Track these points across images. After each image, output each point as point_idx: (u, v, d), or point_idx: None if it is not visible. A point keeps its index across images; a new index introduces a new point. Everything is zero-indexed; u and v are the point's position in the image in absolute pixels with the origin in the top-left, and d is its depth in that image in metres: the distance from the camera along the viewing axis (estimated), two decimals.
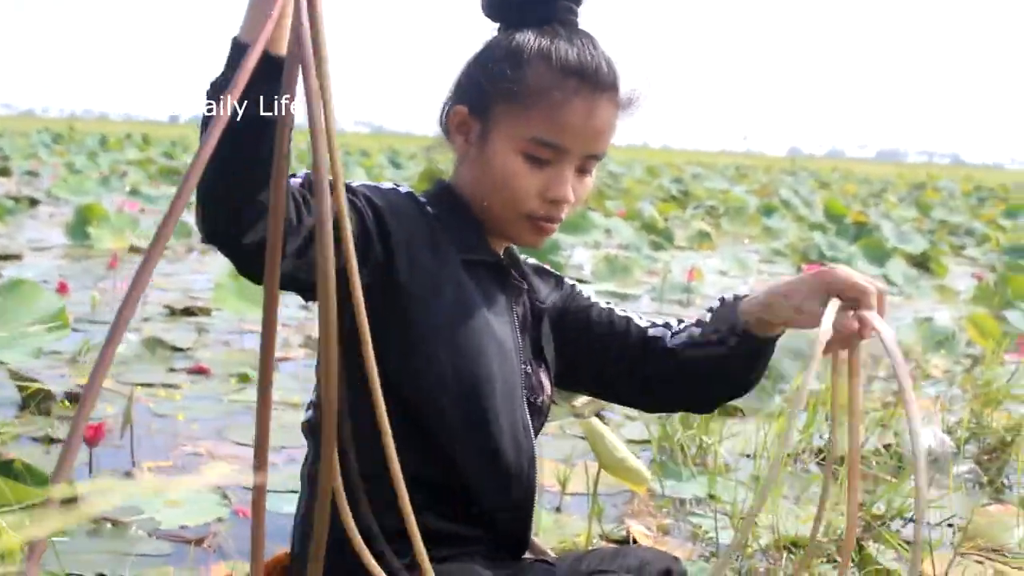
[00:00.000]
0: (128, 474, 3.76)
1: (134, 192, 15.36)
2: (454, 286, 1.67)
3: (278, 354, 5.79)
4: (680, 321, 1.92)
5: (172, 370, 5.33)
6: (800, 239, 13.60)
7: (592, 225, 12.19)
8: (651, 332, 1.90)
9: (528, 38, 1.69)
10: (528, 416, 1.77)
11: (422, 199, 1.74)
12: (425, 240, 1.66)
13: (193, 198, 1.20)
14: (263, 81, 1.17)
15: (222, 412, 4.64)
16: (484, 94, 1.70)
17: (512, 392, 1.72)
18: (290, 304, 7.37)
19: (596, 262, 9.87)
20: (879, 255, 10.67)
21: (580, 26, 1.74)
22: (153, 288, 7.77)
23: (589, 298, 1.97)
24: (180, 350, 5.70)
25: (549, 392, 1.86)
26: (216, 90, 1.31)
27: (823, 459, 4.29)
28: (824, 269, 1.64)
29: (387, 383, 1.35)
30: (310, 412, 1.77)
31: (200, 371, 5.28)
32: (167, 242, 0.88)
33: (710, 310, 1.87)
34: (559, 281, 1.97)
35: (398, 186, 1.73)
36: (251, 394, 4.93)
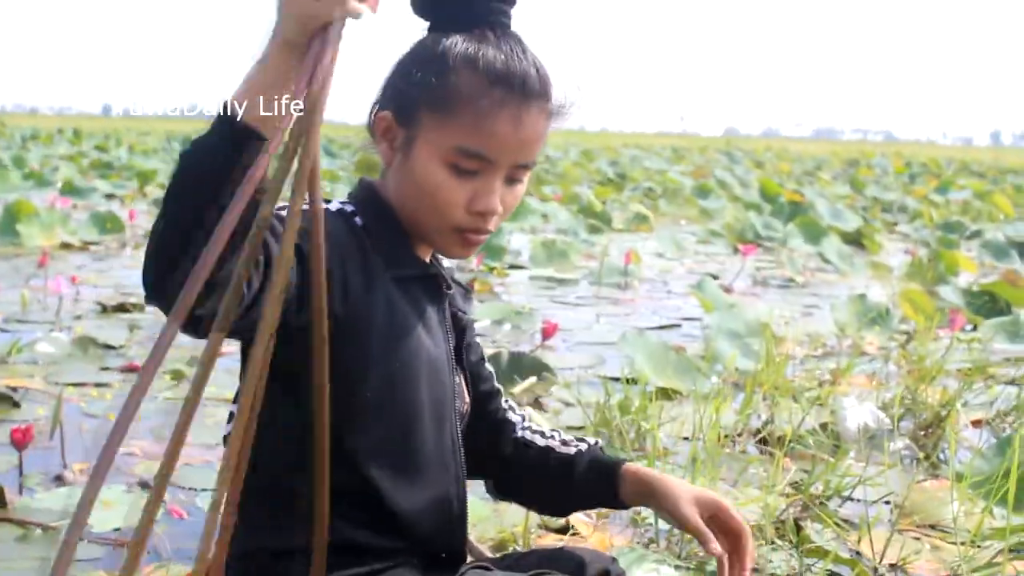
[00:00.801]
0: (59, 477, 3.69)
1: (66, 187, 15.12)
2: (385, 309, 1.63)
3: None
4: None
5: (104, 368, 5.25)
6: (736, 219, 13.66)
7: (529, 210, 12.19)
8: (508, 414, 2.01)
9: (455, 42, 1.63)
10: (458, 432, 1.79)
11: (350, 208, 1.69)
12: (356, 264, 1.61)
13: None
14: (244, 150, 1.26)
15: (155, 411, 4.57)
16: (409, 100, 1.66)
17: (442, 414, 1.72)
18: None
19: (534, 247, 9.86)
20: (814, 233, 10.74)
21: (512, 27, 1.69)
22: (85, 285, 7.66)
23: (480, 345, 2.00)
24: (112, 348, 5.62)
25: (467, 400, 1.87)
26: (203, 156, 1.32)
27: (761, 440, 4.31)
28: (721, 504, 1.82)
29: (311, 414, 1.36)
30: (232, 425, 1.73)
31: (133, 369, 5.21)
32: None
33: (582, 454, 1.96)
34: (469, 302, 1.95)
35: (328, 202, 1.67)
36: (184, 391, 4.86)
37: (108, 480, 3.66)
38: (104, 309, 6.73)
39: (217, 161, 1.29)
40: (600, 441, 2.01)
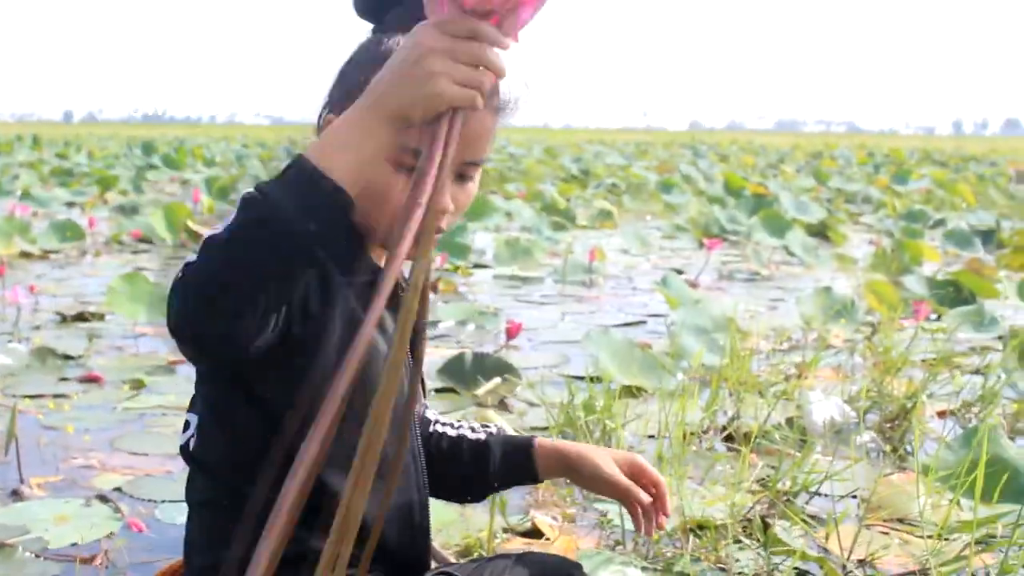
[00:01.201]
0: (16, 492, 3.62)
1: (25, 195, 14.96)
2: (342, 320, 1.58)
3: (173, 357, 5.66)
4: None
5: (63, 379, 5.17)
6: (700, 214, 13.67)
7: (493, 208, 12.14)
8: (427, 412, 2.03)
9: (396, 42, 1.60)
10: (418, 440, 1.80)
11: None
12: (314, 280, 1.54)
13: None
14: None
15: (115, 421, 4.51)
16: (352, 101, 1.56)
17: (403, 423, 1.64)
18: None
19: (498, 245, 9.81)
20: (778, 226, 10.73)
21: None
22: (44, 294, 7.57)
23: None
24: (71, 358, 5.54)
25: (423, 400, 1.91)
26: (287, 212, 1.32)
27: (728, 437, 4.29)
28: (636, 460, 1.93)
29: (274, 423, 1.44)
30: (190, 433, 1.71)
31: (92, 379, 5.14)
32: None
33: (493, 436, 1.99)
34: None
35: None
36: (144, 401, 4.81)
37: (65, 493, 3.62)
38: (63, 319, 6.64)
39: (303, 221, 1.30)
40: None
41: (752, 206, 12.42)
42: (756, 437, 3.91)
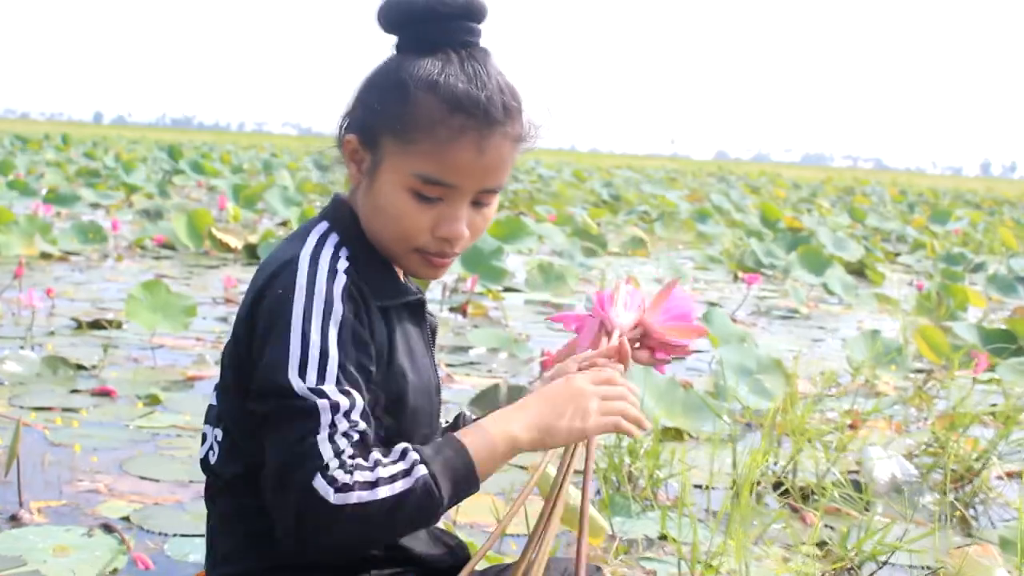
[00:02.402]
0: (14, 517, 3.35)
1: (51, 195, 14.73)
2: (382, 357, 1.63)
3: (191, 372, 5.39)
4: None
5: (75, 391, 4.91)
6: (735, 246, 13.36)
7: (526, 231, 11.81)
8: None
9: (418, 67, 1.61)
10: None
11: (343, 252, 1.65)
12: (366, 326, 1.62)
13: None
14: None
15: (126, 440, 4.23)
16: (372, 125, 1.65)
17: (429, 434, 1.73)
18: (207, 316, 6.97)
19: (530, 270, 9.52)
20: (817, 264, 10.41)
21: (480, 45, 1.66)
22: (61, 298, 7.32)
23: None
24: (84, 369, 5.27)
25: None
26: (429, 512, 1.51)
27: (781, 489, 3.98)
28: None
29: None
30: (209, 446, 1.73)
31: (104, 393, 4.87)
32: None
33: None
34: None
35: (332, 279, 1.60)
36: (159, 419, 4.53)
37: (67, 520, 3.34)
38: (79, 325, 6.38)
39: (435, 517, 1.53)
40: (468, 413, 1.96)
41: (790, 241, 12.08)
42: (813, 493, 3.62)
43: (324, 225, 1.69)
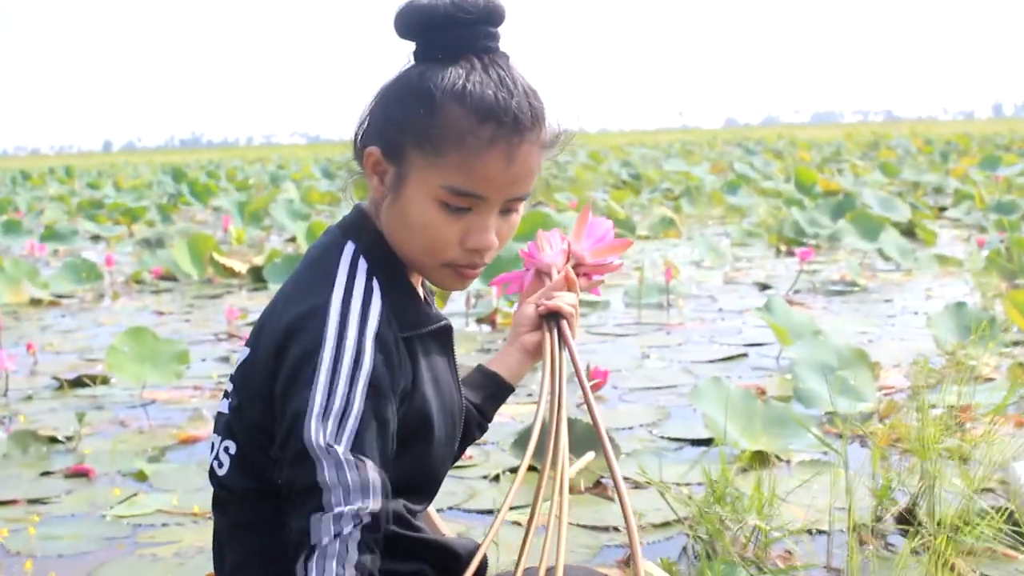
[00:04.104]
0: None
1: (48, 233, 13.94)
2: (407, 391, 1.61)
3: (186, 431, 4.65)
4: None
5: (46, 474, 4.17)
6: (771, 216, 12.55)
7: (550, 225, 10.99)
8: None
9: (442, 76, 1.57)
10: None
11: (375, 286, 1.61)
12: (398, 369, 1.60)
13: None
14: None
15: (99, 538, 3.48)
16: (396, 136, 1.60)
17: (450, 454, 1.77)
18: (206, 356, 6.23)
19: None
20: (869, 229, 9.53)
21: (501, 51, 1.62)
22: (45, 352, 6.58)
23: None
24: (59, 443, 4.53)
25: None
26: None
27: (912, 525, 3.19)
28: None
29: None
30: (218, 458, 1.68)
31: (80, 473, 4.12)
32: None
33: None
34: None
35: (363, 327, 1.56)
36: (142, 504, 3.78)
37: None
38: (60, 386, 5.62)
39: None
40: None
41: (833, 207, 11.21)
42: (952, 527, 2.86)
43: (351, 248, 1.64)
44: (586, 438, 3.99)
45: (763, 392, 4.90)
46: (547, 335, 1.74)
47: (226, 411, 1.68)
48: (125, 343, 5.30)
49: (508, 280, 1.87)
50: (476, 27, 1.59)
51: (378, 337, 1.55)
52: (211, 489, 1.71)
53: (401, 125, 1.59)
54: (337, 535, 1.44)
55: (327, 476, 1.45)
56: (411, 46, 1.65)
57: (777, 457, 3.99)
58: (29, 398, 5.41)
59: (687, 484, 3.67)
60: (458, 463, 4.08)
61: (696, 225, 13.39)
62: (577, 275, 1.82)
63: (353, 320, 1.55)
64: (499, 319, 6.94)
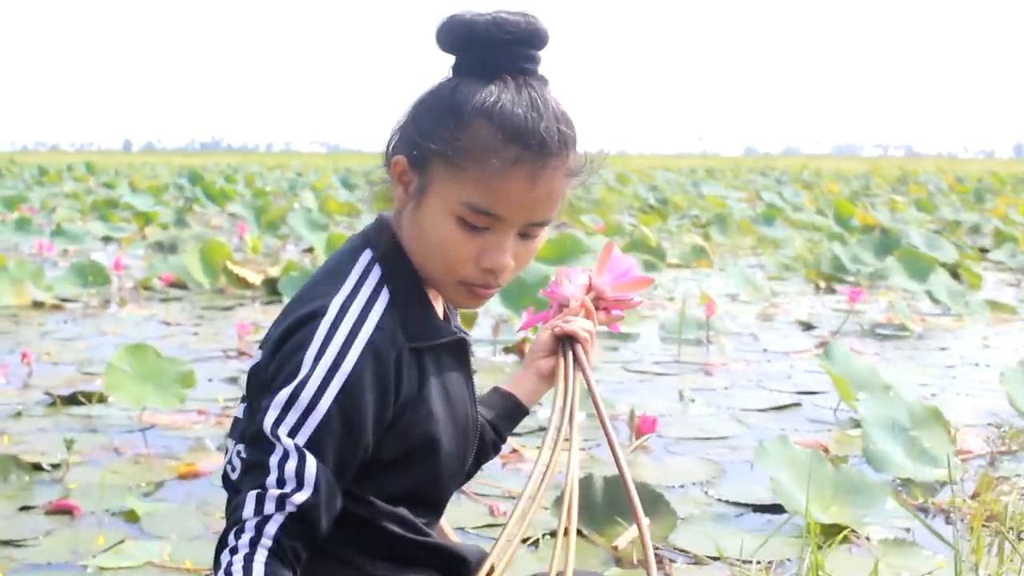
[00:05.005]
0: None
1: (58, 232, 13.49)
2: (408, 402, 1.61)
3: (186, 462, 4.18)
4: None
5: (24, 509, 3.70)
6: (808, 249, 12.05)
7: (580, 249, 10.47)
8: None
9: (473, 92, 1.57)
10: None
11: (384, 293, 1.62)
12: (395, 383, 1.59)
13: None
14: None
15: None
16: (423, 148, 1.60)
17: (460, 470, 1.75)
18: (213, 377, 5.76)
19: None
20: (918, 269, 9.02)
21: (539, 74, 1.62)
22: (42, 363, 6.13)
23: None
24: (44, 471, 4.07)
25: None
26: None
27: None
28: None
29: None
30: (232, 461, 1.64)
31: (64, 510, 3.66)
32: None
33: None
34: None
35: (355, 333, 1.56)
36: (129, 554, 3.30)
37: None
38: (53, 402, 5.15)
39: None
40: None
41: (877, 243, 10.69)
42: None
43: (368, 256, 1.65)
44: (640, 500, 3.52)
45: (825, 450, 4.44)
46: (561, 359, 1.75)
47: (241, 415, 1.68)
48: (125, 360, 4.84)
49: (538, 322, 1.89)
50: (515, 48, 1.58)
51: (371, 343, 1.55)
52: (209, 539, 1.74)
53: (428, 136, 1.58)
54: (259, 514, 1.47)
55: (273, 460, 1.49)
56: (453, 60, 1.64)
57: (854, 531, 3.50)
58: (18, 415, 4.95)
59: (755, 562, 3.20)
60: (492, 521, 3.63)
61: (728, 255, 12.90)
62: (596, 308, 1.82)
63: (347, 323, 1.56)
64: (527, 349, 6.47)
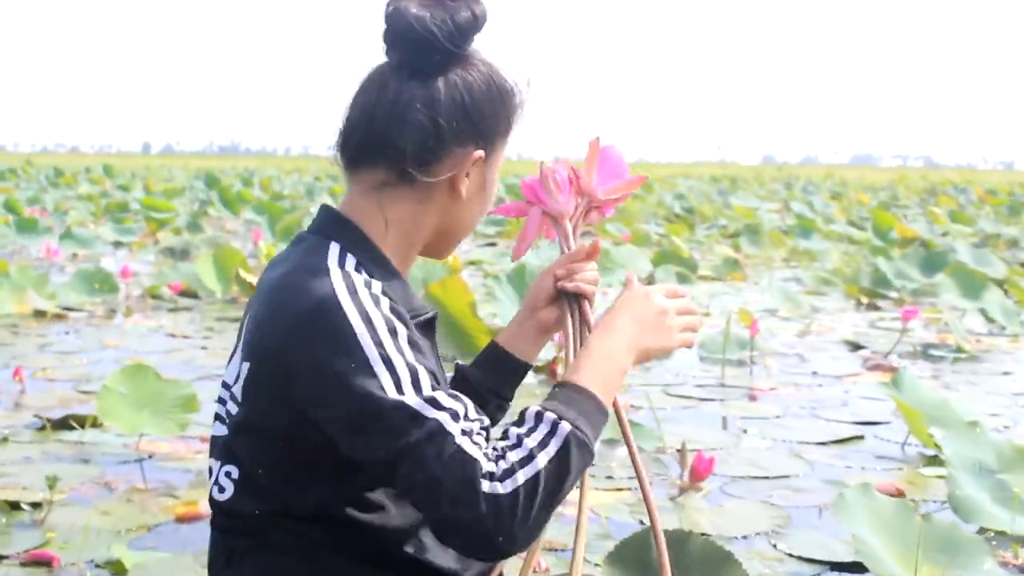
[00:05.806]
0: None
1: (67, 236, 13.02)
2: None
3: (185, 500, 3.72)
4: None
5: None
6: (845, 262, 11.53)
7: (609, 260, 9.97)
8: None
9: (496, 72, 1.66)
10: None
11: (363, 274, 1.58)
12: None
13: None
14: None
15: None
16: (487, 133, 1.66)
17: None
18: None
19: None
20: (971, 286, 8.50)
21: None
22: (37, 380, 5.68)
23: None
24: (23, 511, 3.61)
25: None
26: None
27: None
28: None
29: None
30: (219, 483, 1.61)
31: (42, 560, 3.19)
32: None
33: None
34: None
35: (378, 303, 1.53)
36: None
37: None
38: (43, 426, 4.69)
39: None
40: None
41: (923, 258, 10.17)
42: None
43: (336, 247, 1.60)
44: (703, 556, 3.08)
45: (901, 493, 3.95)
46: (568, 315, 1.72)
47: (223, 433, 1.62)
48: (121, 383, 4.39)
49: (512, 211, 1.81)
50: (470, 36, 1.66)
51: (393, 309, 1.54)
52: None
53: (489, 122, 1.64)
54: (479, 447, 1.43)
55: (426, 415, 1.44)
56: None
57: None
58: (4, 440, 4.49)
59: None
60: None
61: (762, 268, 12.39)
62: (587, 210, 1.77)
63: (368, 302, 1.51)
64: (559, 370, 5.98)
